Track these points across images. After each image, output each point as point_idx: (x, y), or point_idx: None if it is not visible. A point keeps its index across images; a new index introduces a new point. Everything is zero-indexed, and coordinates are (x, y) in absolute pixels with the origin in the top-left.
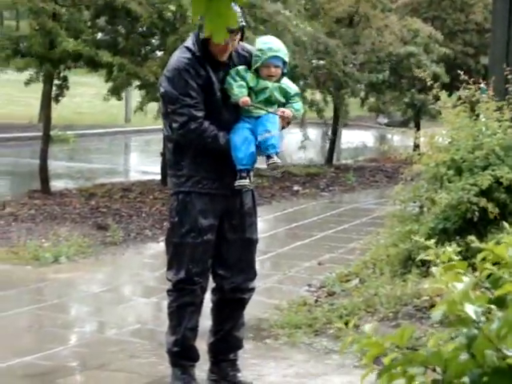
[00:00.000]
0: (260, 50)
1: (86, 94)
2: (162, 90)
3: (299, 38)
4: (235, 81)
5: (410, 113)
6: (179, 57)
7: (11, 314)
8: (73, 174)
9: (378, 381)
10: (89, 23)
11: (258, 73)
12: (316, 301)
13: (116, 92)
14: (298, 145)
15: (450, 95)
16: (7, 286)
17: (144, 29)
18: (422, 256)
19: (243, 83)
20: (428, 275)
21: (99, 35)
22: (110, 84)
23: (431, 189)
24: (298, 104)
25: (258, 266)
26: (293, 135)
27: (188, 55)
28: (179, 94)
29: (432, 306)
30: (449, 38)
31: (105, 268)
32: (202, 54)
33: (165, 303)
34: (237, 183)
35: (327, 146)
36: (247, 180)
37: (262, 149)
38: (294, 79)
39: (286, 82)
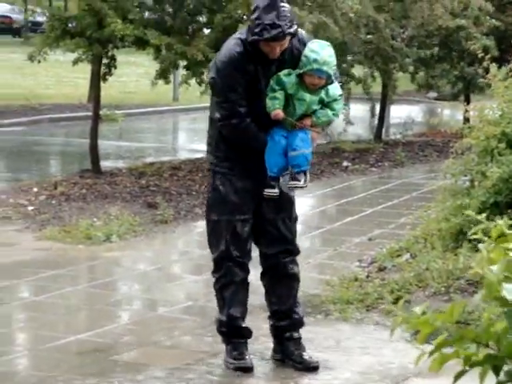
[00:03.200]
0: (306, 56)
1: (134, 74)
2: (210, 77)
3: (347, 14)
4: (272, 91)
5: (459, 86)
6: (231, 49)
7: (64, 292)
8: (122, 153)
9: (430, 364)
10: (136, 3)
11: (302, 77)
12: (367, 276)
13: (164, 75)
14: (345, 121)
15: (499, 68)
16: (60, 264)
17: (191, 7)
18: (473, 230)
19: (278, 95)
20: (480, 249)
21: (146, 14)
22: (157, 63)
23: (482, 162)
24: (323, 112)
25: (308, 243)
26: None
27: (240, 49)
28: (225, 87)
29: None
30: (499, 10)
31: (155, 246)
32: (252, 49)
33: None
34: (265, 192)
35: (375, 121)
36: (275, 190)
37: (290, 165)
38: (342, 54)
39: (329, 88)
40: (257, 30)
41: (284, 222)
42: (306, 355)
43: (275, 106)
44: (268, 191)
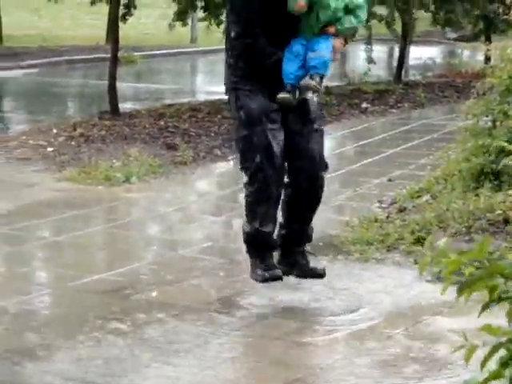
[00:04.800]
0: None
1: (152, 16)
2: None
3: None
4: None
5: (480, 26)
6: None
7: (85, 232)
8: (141, 94)
9: (458, 294)
10: None
11: None
12: (387, 217)
13: (181, 17)
14: (365, 62)
15: None
16: (80, 205)
17: None
18: (504, 162)
19: None
20: (501, 189)
21: None
22: (175, 5)
23: (504, 102)
24: (346, 19)
25: (327, 184)
26: (361, 53)
27: None
28: (241, 5)
29: (506, 220)
30: None
31: (175, 187)
32: None
33: (235, 221)
34: (278, 96)
35: (395, 62)
36: (289, 95)
37: (306, 67)
38: None
39: None
40: None
41: (311, 134)
42: (312, 264)
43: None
44: (281, 95)
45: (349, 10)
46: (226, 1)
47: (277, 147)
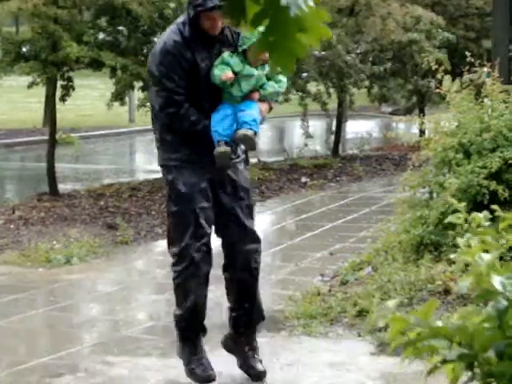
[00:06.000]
0: (246, 34)
1: (89, 97)
2: (148, 66)
3: None
4: (216, 66)
5: (413, 100)
6: (168, 38)
7: (26, 316)
8: (80, 175)
9: (403, 355)
10: (90, 24)
11: (244, 56)
12: (329, 290)
13: (119, 97)
14: (302, 138)
15: (453, 81)
16: (20, 288)
17: (145, 27)
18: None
19: (225, 67)
20: (441, 260)
21: (101, 35)
22: (112, 86)
23: (440, 174)
24: (269, 84)
25: (269, 259)
26: (298, 128)
27: (176, 37)
28: (162, 76)
29: (446, 290)
30: (450, 23)
31: (116, 267)
32: (190, 35)
33: None
34: (216, 151)
35: (332, 137)
36: (226, 147)
37: (238, 124)
38: (297, 72)
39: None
40: (199, 2)
41: (243, 211)
42: (257, 364)
43: (224, 71)
44: (218, 149)
45: (269, 78)
46: (148, 74)
47: (206, 226)
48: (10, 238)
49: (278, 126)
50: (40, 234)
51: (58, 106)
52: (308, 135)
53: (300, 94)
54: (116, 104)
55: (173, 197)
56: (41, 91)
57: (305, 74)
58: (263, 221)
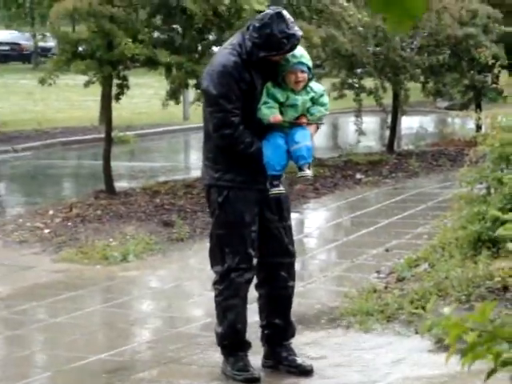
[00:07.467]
0: (284, 59)
1: (144, 95)
2: (203, 86)
3: (355, 27)
4: (264, 103)
5: (469, 95)
6: (226, 58)
7: (83, 313)
8: (135, 173)
9: (462, 360)
10: (145, 23)
11: (285, 83)
12: (386, 287)
13: (174, 96)
14: (356, 134)
15: (510, 75)
16: (78, 286)
17: (200, 25)
18: (499, 231)
19: (272, 104)
20: (499, 256)
21: (156, 34)
22: (167, 84)
23: (497, 169)
24: (315, 109)
25: (324, 255)
26: (351, 124)
27: (235, 58)
28: (219, 96)
29: (505, 286)
30: (508, 16)
31: (172, 264)
32: (248, 57)
33: None
34: (271, 191)
35: (387, 133)
36: (281, 188)
37: (293, 159)
38: (352, 67)
39: (312, 86)
40: (272, 45)
41: (286, 231)
42: (299, 360)
43: (273, 112)
44: (273, 190)
45: (313, 102)
46: (202, 93)
47: (251, 250)
48: (67, 236)
49: (331, 123)
50: (97, 232)
51: (114, 104)
52: (361, 132)
53: (355, 89)
54: (171, 102)
55: (221, 219)
56: (97, 90)
57: (360, 70)
58: (318, 217)
